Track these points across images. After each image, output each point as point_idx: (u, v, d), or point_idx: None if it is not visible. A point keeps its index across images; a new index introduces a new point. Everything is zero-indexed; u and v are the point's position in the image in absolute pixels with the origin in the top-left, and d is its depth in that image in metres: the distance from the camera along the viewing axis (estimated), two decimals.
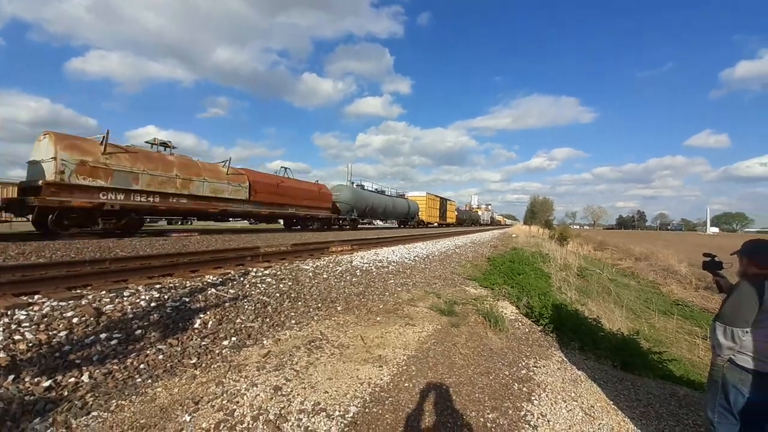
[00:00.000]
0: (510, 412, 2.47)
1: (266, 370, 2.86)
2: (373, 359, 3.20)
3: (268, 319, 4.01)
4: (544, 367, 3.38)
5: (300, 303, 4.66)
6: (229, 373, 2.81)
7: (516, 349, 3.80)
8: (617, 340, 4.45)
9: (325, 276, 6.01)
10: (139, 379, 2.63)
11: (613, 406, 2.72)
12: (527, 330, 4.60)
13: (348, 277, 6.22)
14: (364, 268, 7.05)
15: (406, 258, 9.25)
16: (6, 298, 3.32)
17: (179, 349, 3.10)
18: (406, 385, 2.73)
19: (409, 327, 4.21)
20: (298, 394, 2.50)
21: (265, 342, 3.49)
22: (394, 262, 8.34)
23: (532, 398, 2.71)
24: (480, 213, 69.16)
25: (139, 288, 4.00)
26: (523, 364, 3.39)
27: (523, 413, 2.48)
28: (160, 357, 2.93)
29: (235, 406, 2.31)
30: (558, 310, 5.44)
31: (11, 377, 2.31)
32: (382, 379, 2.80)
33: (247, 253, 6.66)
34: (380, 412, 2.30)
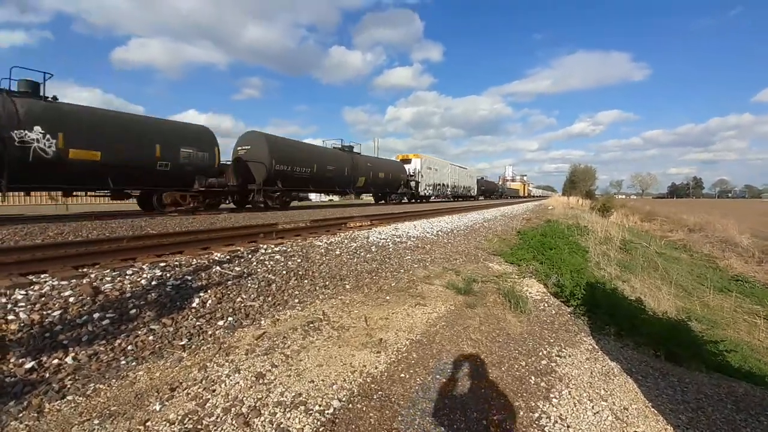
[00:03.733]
0: (521, 413, 2.10)
1: (255, 354, 2.68)
2: (372, 344, 2.92)
3: (270, 298, 3.85)
4: (569, 356, 2.94)
5: (306, 281, 4.46)
6: (217, 356, 2.65)
7: (538, 334, 3.36)
8: (662, 324, 3.86)
9: (337, 252, 5.79)
10: (123, 362, 2.53)
11: (652, 408, 2.26)
12: (554, 312, 4.11)
13: (362, 254, 5.96)
14: (380, 244, 6.75)
15: (428, 233, 8.84)
16: (11, 277, 3.36)
17: (172, 329, 2.99)
18: (402, 375, 2.42)
19: (419, 307, 3.89)
20: (280, 383, 2.27)
21: (262, 322, 3.33)
22: (414, 237, 7.97)
23: (551, 396, 2.31)
24: (416, 166, 26.81)
25: (144, 266, 3.96)
26: (545, 352, 2.97)
27: (537, 415, 2.10)
28: (151, 338, 2.83)
29: (209, 395, 2.13)
30: (593, 289, 4.87)
31: None
32: (376, 368, 2.52)
33: (261, 230, 6.57)
34: (365, 409, 2.02)
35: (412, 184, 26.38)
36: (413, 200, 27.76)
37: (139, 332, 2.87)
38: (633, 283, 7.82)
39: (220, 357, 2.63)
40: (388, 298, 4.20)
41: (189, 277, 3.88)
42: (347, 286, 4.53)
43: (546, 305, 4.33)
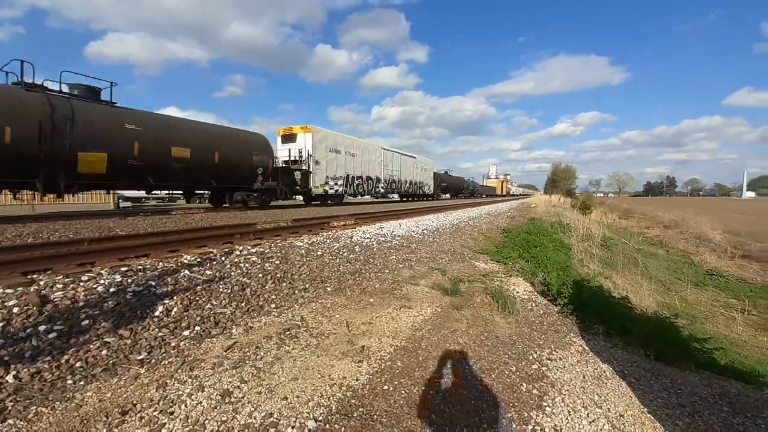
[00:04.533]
0: (514, 426, 1.94)
1: (223, 368, 2.42)
2: (354, 352, 2.71)
3: (243, 304, 3.57)
4: (560, 359, 2.81)
5: (285, 284, 4.20)
6: (179, 371, 2.38)
7: (527, 336, 3.23)
8: (650, 322, 3.81)
9: (319, 253, 5.54)
10: (70, 381, 2.23)
11: (648, 414, 2.14)
12: (542, 312, 4.00)
13: (345, 254, 5.73)
14: (364, 244, 6.53)
15: (413, 231, 8.68)
16: None
17: (129, 342, 2.69)
18: (385, 388, 2.22)
19: (404, 310, 3.70)
20: (249, 402, 2.04)
21: (234, 331, 3.06)
22: (398, 236, 7.79)
23: (544, 404, 2.16)
24: (304, 145, 15.51)
25: (102, 271, 3.62)
26: (535, 356, 2.83)
27: (530, 427, 1.94)
28: (104, 352, 2.52)
29: (166, 419, 1.87)
30: (579, 287, 4.81)
31: None
32: (358, 380, 2.31)
33: (238, 230, 6.24)
34: (343, 429, 1.81)
35: (297, 175, 15.24)
36: (314, 202, 17.93)
37: (91, 346, 2.56)
38: (615, 279, 7.89)
39: (183, 372, 2.37)
40: (371, 300, 3.99)
41: (153, 283, 3.56)
42: (329, 289, 4.30)
43: (533, 305, 4.22)
